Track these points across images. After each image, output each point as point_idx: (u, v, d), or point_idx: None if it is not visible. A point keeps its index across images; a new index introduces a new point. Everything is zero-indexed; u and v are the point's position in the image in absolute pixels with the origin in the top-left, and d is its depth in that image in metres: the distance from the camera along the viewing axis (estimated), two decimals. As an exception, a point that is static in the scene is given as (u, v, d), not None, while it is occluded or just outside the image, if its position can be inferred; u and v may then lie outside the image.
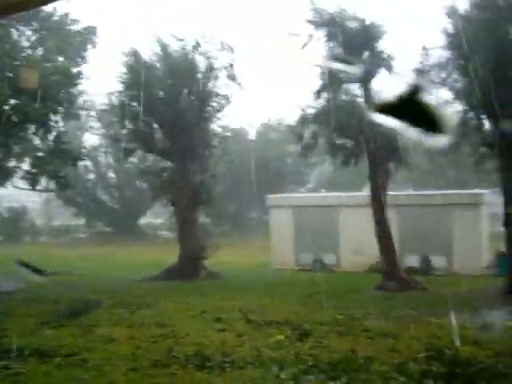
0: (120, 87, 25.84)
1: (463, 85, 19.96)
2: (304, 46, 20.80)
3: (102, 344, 12.47)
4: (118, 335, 13.31)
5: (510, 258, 19.76)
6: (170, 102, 25.25)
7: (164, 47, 25.54)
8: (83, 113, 33.13)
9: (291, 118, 23.14)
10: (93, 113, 47.94)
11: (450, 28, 19.49)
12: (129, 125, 26.11)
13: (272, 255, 29.80)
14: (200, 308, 16.79)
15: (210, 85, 26.05)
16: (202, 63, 25.90)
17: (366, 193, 21.62)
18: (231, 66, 25.63)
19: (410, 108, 1.98)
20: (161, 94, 25.66)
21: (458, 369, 9.61)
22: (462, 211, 25.71)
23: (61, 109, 24.41)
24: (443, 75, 20.28)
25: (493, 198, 27.42)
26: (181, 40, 25.47)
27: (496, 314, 15.74)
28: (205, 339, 12.59)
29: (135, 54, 25.47)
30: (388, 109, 2.04)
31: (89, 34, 25.88)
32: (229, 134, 30.05)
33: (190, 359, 10.82)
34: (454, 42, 19.33)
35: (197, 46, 25.52)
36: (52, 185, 29.00)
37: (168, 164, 26.98)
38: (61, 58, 24.71)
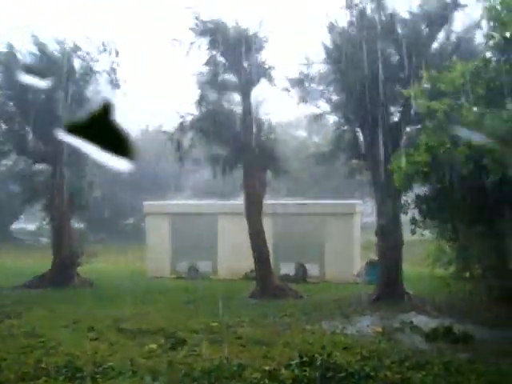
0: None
1: (340, 98, 20.59)
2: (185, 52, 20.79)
3: (-36, 357, 11.85)
4: (-19, 347, 12.71)
5: (380, 266, 20.49)
6: (45, 104, 24.39)
7: (41, 47, 24.62)
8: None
9: (170, 125, 22.94)
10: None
11: (329, 43, 20.07)
12: (2, 126, 25.11)
13: (148, 263, 29.40)
14: (72, 317, 16.32)
15: (91, 88, 25.42)
16: (80, 65, 25.21)
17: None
18: (112, 70, 25.11)
19: (100, 129, 1.98)
20: (36, 95, 24.74)
21: (329, 373, 9.90)
22: (335, 220, 26.43)
23: None
24: (321, 87, 20.85)
25: (365, 208, 28.50)
26: (60, 43, 24.64)
27: (365, 320, 16.38)
28: (76, 349, 12.25)
29: (10, 53, 24.43)
30: (77, 129, 2.03)
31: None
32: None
33: (61, 370, 10.50)
34: (333, 56, 19.91)
35: (75, 47, 24.79)
36: None
37: (42, 167, 26.08)
38: None
